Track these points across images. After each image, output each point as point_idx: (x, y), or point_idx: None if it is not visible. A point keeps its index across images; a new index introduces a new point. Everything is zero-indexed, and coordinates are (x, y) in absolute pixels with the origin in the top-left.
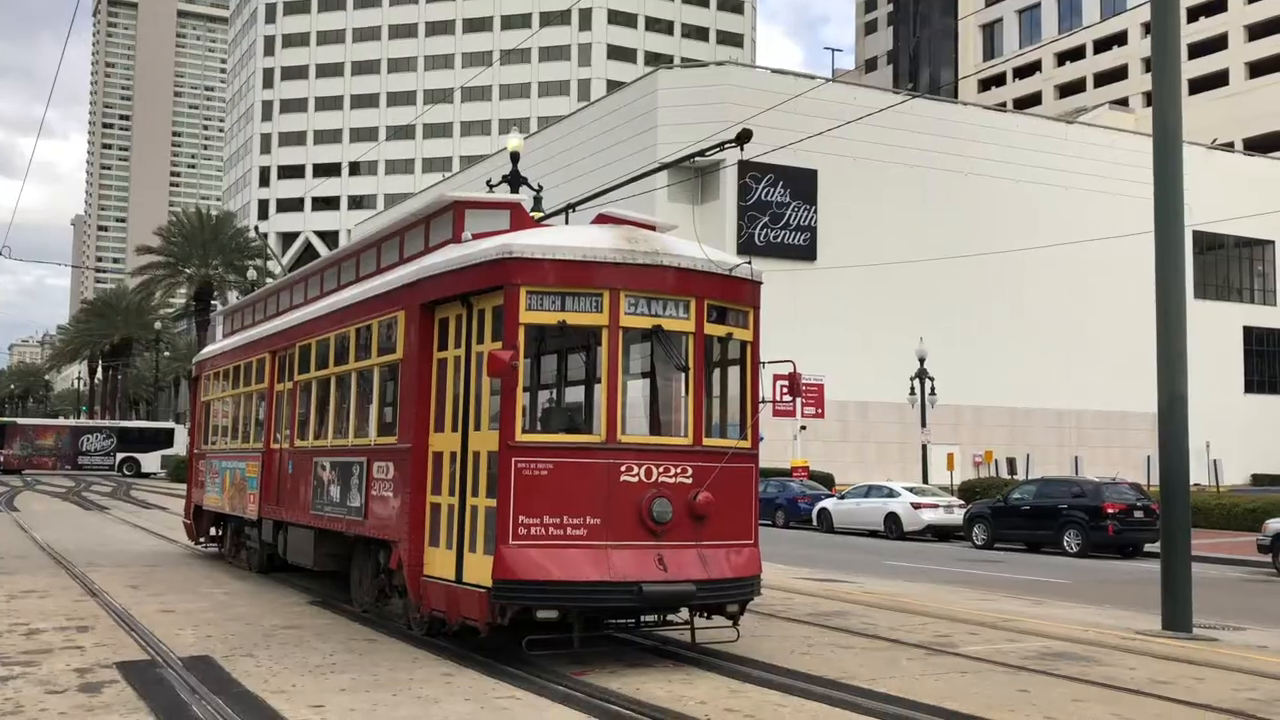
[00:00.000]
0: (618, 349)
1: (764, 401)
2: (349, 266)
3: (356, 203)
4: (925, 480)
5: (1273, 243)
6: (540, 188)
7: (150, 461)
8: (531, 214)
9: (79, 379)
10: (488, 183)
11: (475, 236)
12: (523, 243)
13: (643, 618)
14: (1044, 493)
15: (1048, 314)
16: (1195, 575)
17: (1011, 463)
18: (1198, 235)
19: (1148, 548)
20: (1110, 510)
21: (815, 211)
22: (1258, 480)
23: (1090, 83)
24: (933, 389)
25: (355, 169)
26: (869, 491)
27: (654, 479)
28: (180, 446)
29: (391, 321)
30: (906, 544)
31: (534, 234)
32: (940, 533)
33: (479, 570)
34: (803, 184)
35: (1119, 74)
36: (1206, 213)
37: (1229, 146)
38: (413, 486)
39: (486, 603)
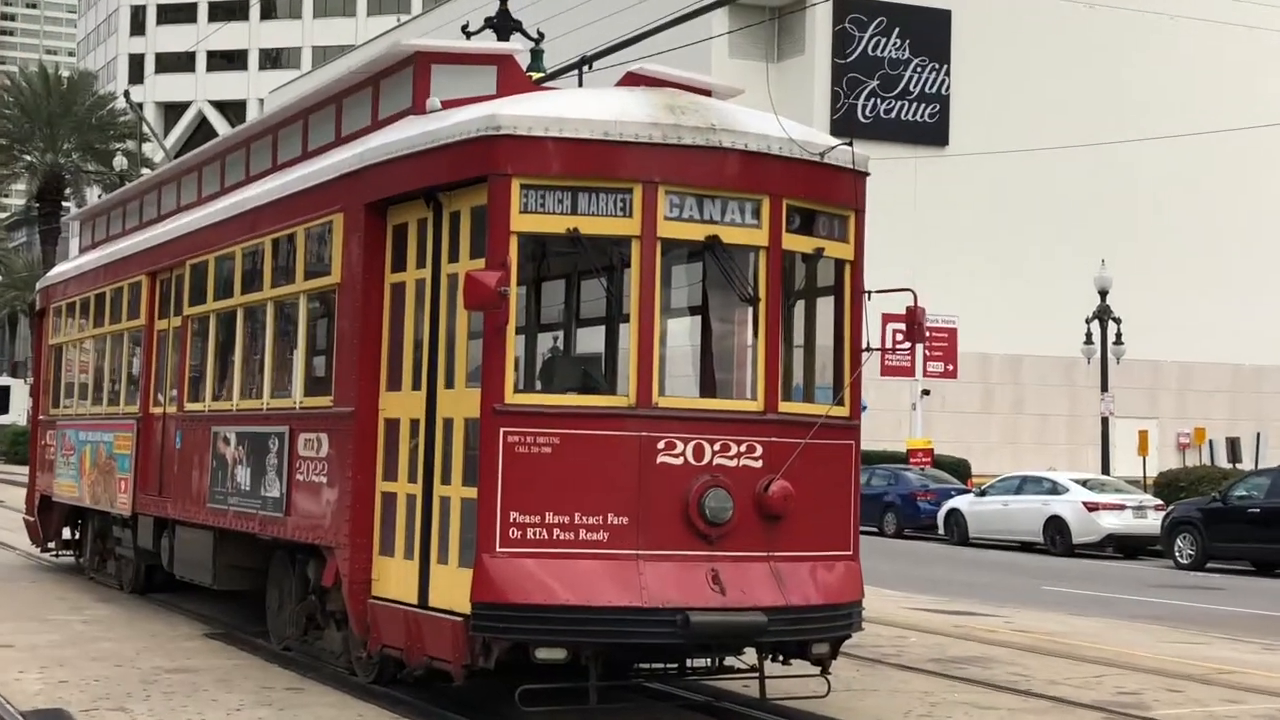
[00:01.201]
0: (654, 271)
1: (869, 351)
2: (262, 150)
3: (272, 59)
4: (1106, 470)
5: None
6: (541, 36)
7: None
8: (528, 73)
9: None
10: (464, 29)
11: (446, 105)
12: (515, 113)
13: (690, 661)
14: None
15: None
16: None
17: (1233, 445)
18: None
19: None
20: None
21: (948, 73)
22: None
23: None
24: (1118, 337)
25: (270, 10)
26: (1022, 485)
27: (706, 461)
28: (19, 412)
29: (324, 229)
30: (1076, 562)
31: (532, 101)
32: (1126, 546)
33: (452, 590)
34: (929, 31)
35: None
36: None
37: None
38: (356, 468)
39: (463, 636)
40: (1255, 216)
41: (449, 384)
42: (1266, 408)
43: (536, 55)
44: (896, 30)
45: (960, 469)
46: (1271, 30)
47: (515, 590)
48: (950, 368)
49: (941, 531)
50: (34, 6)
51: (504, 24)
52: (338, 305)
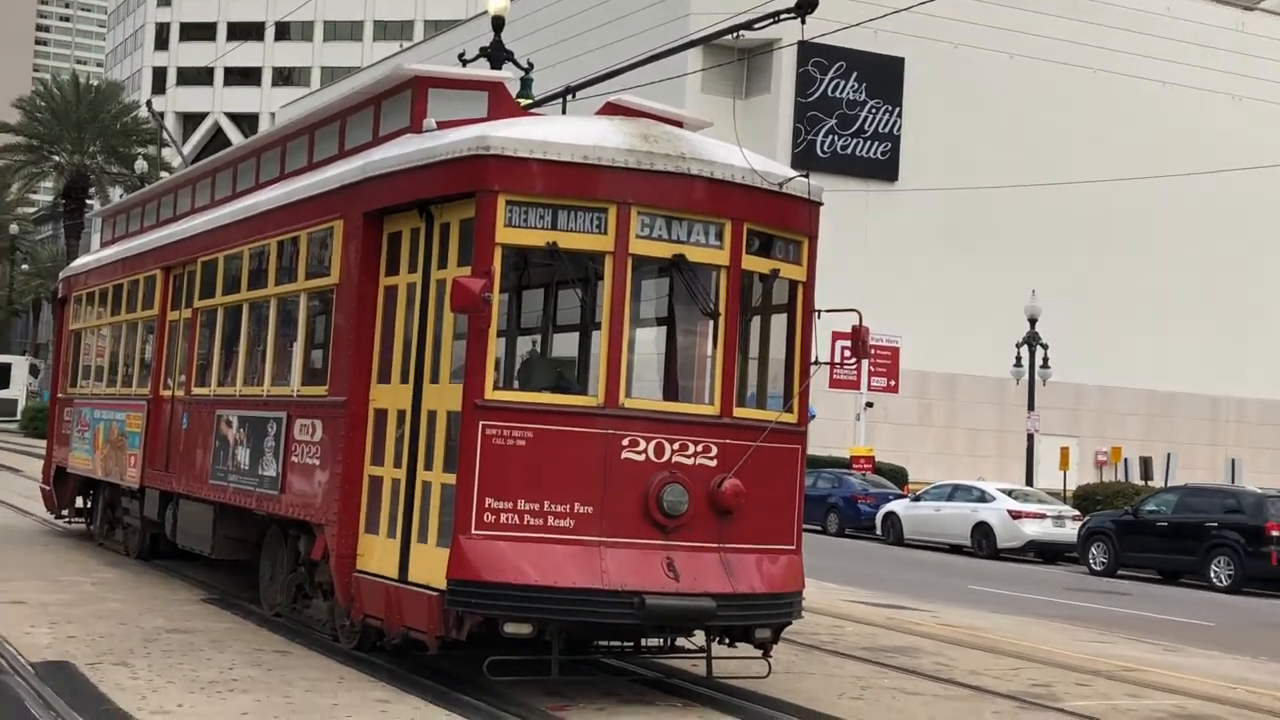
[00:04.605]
0: (625, 284)
1: (817, 364)
2: (271, 159)
3: (284, 77)
4: (1029, 482)
5: None
6: (530, 66)
7: None
8: (518, 100)
9: None
10: (460, 56)
11: (441, 125)
12: (504, 135)
13: (644, 640)
14: (1187, 505)
15: (1207, 267)
16: None
17: (1146, 463)
18: None
19: None
20: (1275, 532)
21: (899, 115)
22: None
23: None
24: (1045, 361)
25: (284, 32)
26: (953, 493)
27: (666, 458)
28: (17, 388)
29: (325, 234)
30: (1000, 565)
31: (519, 125)
32: (1046, 552)
33: (430, 567)
34: (884, 77)
35: None
36: None
37: None
38: (346, 453)
39: (438, 610)
40: (1171, 256)
41: (434, 379)
42: (1178, 430)
43: (525, 83)
44: (854, 74)
45: (898, 476)
46: (1182, 86)
47: (488, 569)
48: (892, 383)
49: (879, 532)
50: (67, 20)
51: (497, 54)
52: (335, 304)
